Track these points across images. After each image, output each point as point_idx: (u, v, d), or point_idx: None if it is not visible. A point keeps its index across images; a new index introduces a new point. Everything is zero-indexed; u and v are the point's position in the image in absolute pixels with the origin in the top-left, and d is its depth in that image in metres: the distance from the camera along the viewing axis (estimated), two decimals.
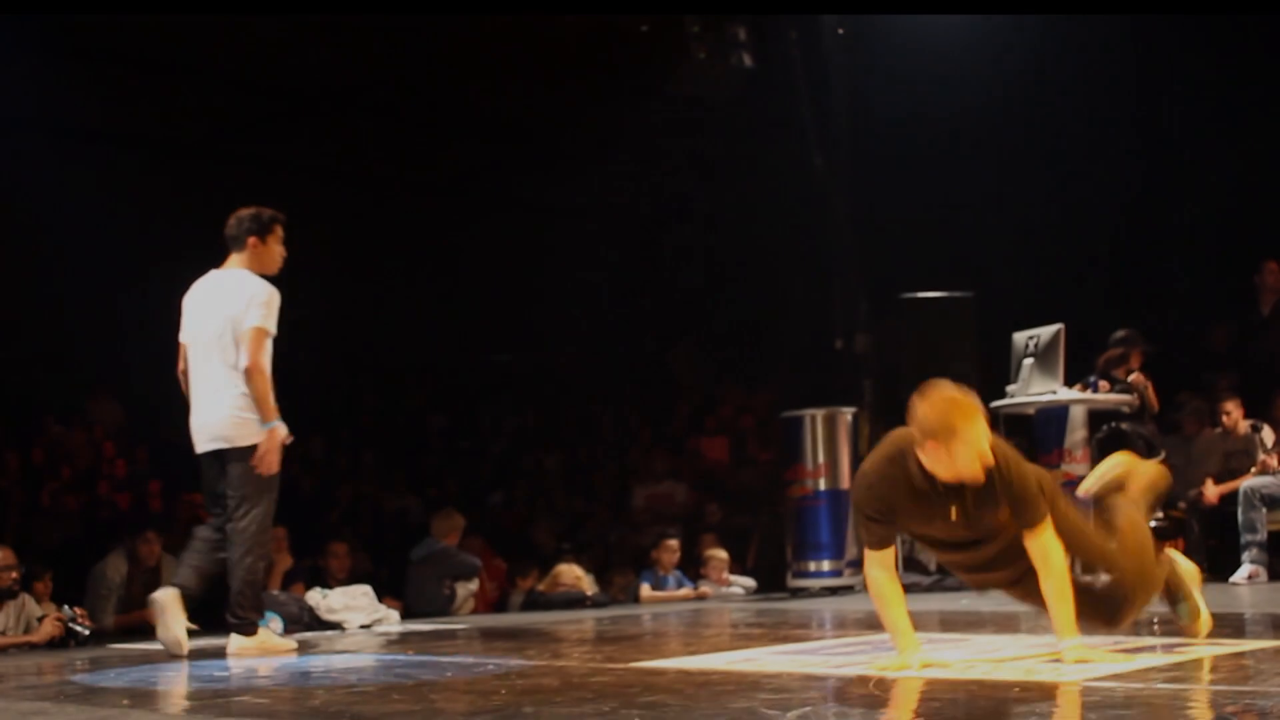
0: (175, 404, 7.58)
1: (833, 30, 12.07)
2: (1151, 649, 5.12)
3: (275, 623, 8.59)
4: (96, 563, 9.93)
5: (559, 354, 17.65)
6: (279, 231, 7.27)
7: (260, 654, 6.80)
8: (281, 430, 6.99)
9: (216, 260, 7.30)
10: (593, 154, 15.51)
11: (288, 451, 7.13)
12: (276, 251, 7.26)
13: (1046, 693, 4.03)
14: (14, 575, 8.56)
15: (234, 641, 6.88)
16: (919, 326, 11.57)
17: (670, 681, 4.67)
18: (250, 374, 6.92)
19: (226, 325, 7.00)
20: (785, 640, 6.41)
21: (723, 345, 17.14)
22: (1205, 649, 5.07)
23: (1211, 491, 10.45)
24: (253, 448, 6.91)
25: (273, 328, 7.02)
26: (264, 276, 7.16)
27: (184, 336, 7.25)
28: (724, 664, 5.22)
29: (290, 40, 12.56)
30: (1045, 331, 9.96)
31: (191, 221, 13.89)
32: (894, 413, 12.30)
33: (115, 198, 13.39)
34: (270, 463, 6.92)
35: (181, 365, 7.28)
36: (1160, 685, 4.10)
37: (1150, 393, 10.60)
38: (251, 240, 7.18)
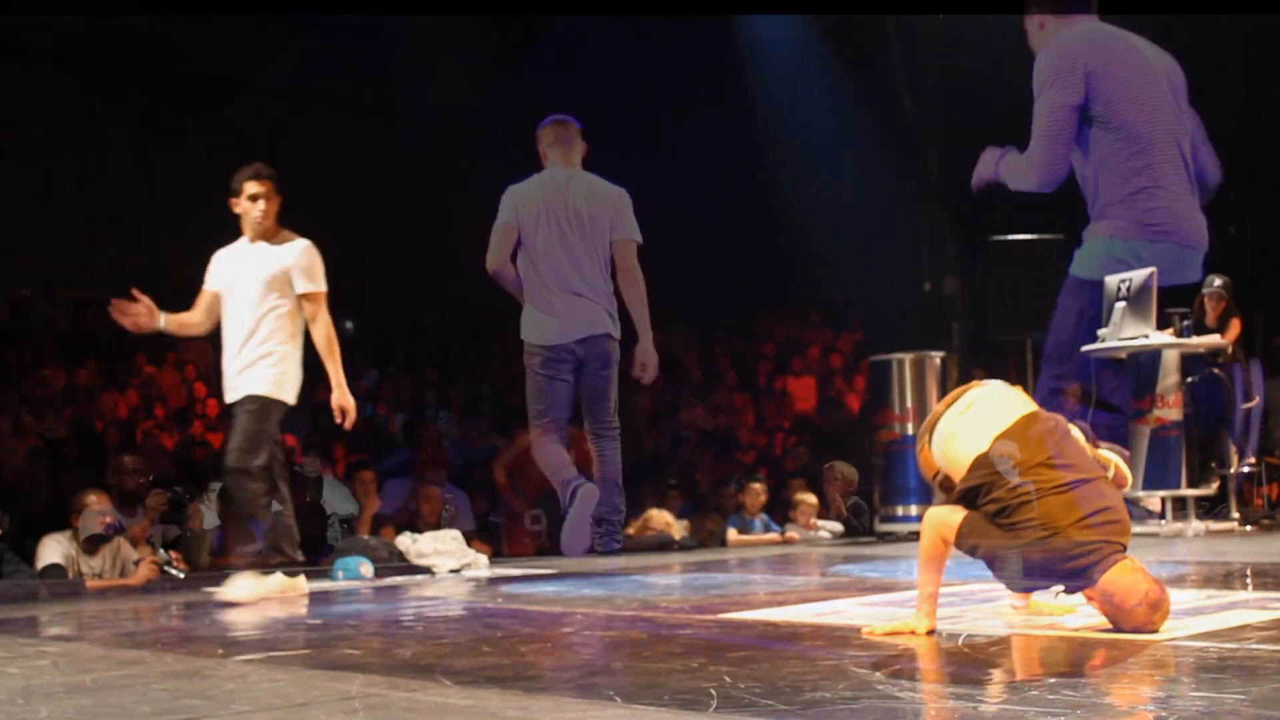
0: None
1: None
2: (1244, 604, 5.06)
3: (365, 567, 8.68)
4: (190, 502, 10.06)
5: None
6: None
7: None
8: None
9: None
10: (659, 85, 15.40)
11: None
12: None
13: (1135, 650, 3.97)
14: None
15: None
16: (1008, 269, 11.44)
17: (758, 635, 4.66)
18: None
19: None
20: (872, 590, 6.36)
21: (809, 287, 17.02)
22: None
23: None
24: None
25: None
26: None
27: None
28: (811, 617, 5.17)
29: None
30: (1138, 275, 9.72)
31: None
32: (982, 356, 12.31)
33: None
34: None
35: None
36: (1255, 646, 4.02)
37: (1231, 333, 10.46)
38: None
